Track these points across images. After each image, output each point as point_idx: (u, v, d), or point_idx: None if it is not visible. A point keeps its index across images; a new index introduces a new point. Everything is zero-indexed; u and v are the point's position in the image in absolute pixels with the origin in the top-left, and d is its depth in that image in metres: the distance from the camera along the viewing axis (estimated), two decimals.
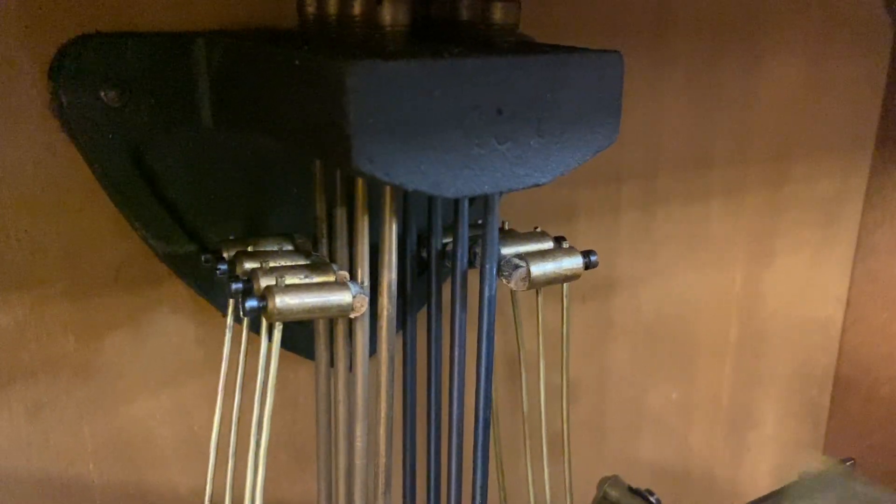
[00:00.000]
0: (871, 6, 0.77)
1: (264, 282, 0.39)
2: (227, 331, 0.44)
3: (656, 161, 0.68)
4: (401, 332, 0.51)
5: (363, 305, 0.40)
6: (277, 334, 0.38)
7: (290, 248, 0.45)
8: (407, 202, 0.49)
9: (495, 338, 0.54)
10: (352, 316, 0.40)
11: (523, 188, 0.37)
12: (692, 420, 0.80)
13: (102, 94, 0.42)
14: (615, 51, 0.38)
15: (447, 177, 0.35)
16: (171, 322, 0.49)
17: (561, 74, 0.36)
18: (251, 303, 0.37)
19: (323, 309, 0.39)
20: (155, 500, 0.51)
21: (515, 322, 0.52)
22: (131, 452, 0.50)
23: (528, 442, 0.53)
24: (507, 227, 0.51)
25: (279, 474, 0.56)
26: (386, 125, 0.32)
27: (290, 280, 0.39)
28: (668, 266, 0.72)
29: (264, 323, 0.39)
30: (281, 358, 0.54)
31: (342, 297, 0.39)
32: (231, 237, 0.45)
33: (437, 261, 0.49)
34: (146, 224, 0.45)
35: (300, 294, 0.38)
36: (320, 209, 0.46)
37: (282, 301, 0.38)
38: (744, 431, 0.84)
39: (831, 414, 0.89)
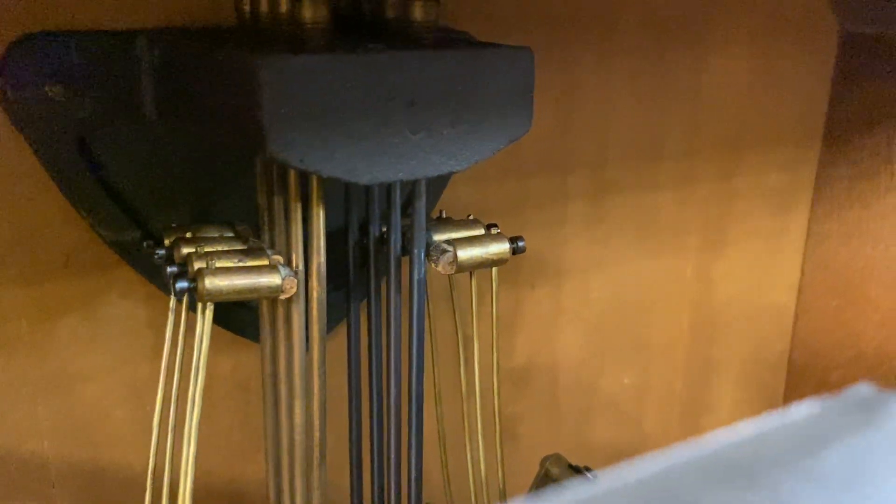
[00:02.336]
0: (818, 5, 0.79)
1: (197, 265, 0.41)
2: (171, 313, 0.46)
3: (605, 152, 0.70)
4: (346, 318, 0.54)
5: (292, 287, 0.42)
6: (209, 313, 0.41)
7: (230, 234, 0.48)
8: (348, 192, 0.51)
9: (434, 321, 0.56)
10: (282, 297, 0.43)
11: (438, 174, 0.40)
12: (646, 405, 0.82)
13: (48, 89, 0.44)
14: (526, 46, 0.41)
15: (361, 164, 0.37)
16: (122, 306, 0.51)
17: (472, 69, 0.39)
18: (181, 284, 0.40)
19: (252, 290, 0.41)
20: (109, 477, 0.54)
21: (453, 305, 0.55)
22: (86, 431, 0.52)
23: (466, 421, 0.56)
24: (443, 216, 0.53)
25: (233, 454, 0.59)
26: (298, 115, 0.35)
27: (222, 264, 0.42)
28: (618, 254, 0.75)
29: (199, 304, 0.42)
30: (233, 342, 0.57)
31: (271, 280, 0.42)
32: (173, 225, 0.47)
33: (376, 247, 0.51)
34: (93, 212, 0.47)
35: (230, 276, 0.41)
36: (262, 198, 0.48)
37: (211, 283, 0.40)
38: (698, 416, 0.86)
39: (786, 399, 0.92)
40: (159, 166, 0.49)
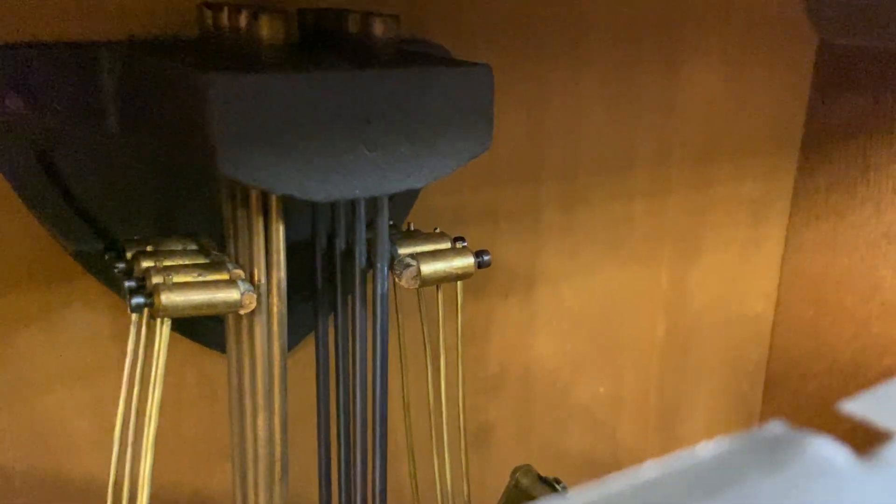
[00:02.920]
0: (794, 14, 0.79)
1: (155, 280, 0.41)
2: (132, 326, 0.46)
3: (576, 163, 0.70)
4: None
5: (252, 303, 0.42)
6: (166, 329, 0.41)
7: (194, 247, 0.48)
8: (315, 206, 0.51)
9: (403, 333, 0.56)
10: (241, 312, 0.43)
11: (396, 192, 0.40)
12: (620, 414, 0.83)
13: (8, 101, 0.44)
14: (485, 63, 0.41)
15: (315, 181, 0.37)
16: (85, 318, 0.51)
17: (427, 86, 0.39)
18: (137, 300, 0.40)
19: (210, 306, 0.41)
20: (73, 489, 0.53)
21: (420, 318, 0.55)
22: (49, 442, 0.52)
23: (433, 432, 0.56)
24: (411, 228, 0.53)
25: (198, 465, 0.59)
26: (249, 133, 0.35)
27: (181, 278, 0.42)
28: (590, 263, 0.75)
29: (157, 320, 0.42)
30: (201, 354, 0.57)
31: (229, 295, 0.42)
32: (136, 237, 0.47)
33: (342, 260, 0.51)
34: (55, 224, 0.47)
35: (186, 292, 0.41)
36: (227, 210, 0.48)
37: (167, 298, 0.40)
38: (673, 425, 0.87)
39: (763, 409, 0.92)
40: (123, 178, 0.48)
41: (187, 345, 0.55)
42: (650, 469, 0.18)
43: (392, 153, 0.39)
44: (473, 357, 0.70)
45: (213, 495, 0.59)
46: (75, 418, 0.52)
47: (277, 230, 0.43)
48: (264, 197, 0.43)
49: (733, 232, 0.83)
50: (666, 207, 0.77)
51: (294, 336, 0.52)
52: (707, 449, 0.19)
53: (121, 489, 0.46)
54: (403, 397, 0.57)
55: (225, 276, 0.43)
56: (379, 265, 0.46)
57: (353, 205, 0.48)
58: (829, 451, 0.18)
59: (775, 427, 0.20)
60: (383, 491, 0.51)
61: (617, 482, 0.17)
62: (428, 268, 0.47)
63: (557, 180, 0.70)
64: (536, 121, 0.67)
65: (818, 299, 0.86)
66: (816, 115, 0.83)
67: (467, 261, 0.49)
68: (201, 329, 0.55)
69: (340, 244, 0.51)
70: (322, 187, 0.37)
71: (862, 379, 0.84)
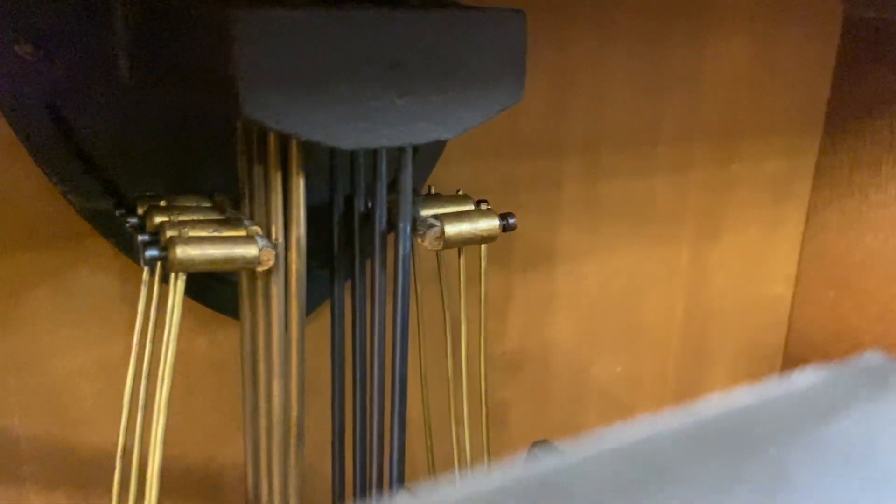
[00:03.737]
0: None
1: (169, 234, 0.39)
2: (143, 286, 0.44)
3: (599, 137, 0.69)
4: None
5: (270, 259, 0.41)
6: (181, 284, 0.39)
7: (208, 205, 0.46)
8: (333, 164, 0.49)
9: (421, 302, 0.54)
10: (259, 269, 0.41)
11: (424, 142, 0.38)
12: (638, 394, 0.81)
13: (17, 47, 0.42)
14: (519, 9, 0.39)
15: (342, 128, 0.35)
16: (96, 279, 0.49)
17: (461, 31, 0.37)
18: (151, 252, 0.38)
19: (227, 261, 0.39)
20: (81, 454, 0.52)
21: (440, 283, 0.53)
22: (57, 407, 0.50)
23: (452, 404, 0.54)
24: (432, 192, 0.51)
25: (209, 436, 0.57)
26: (275, 74, 0.33)
27: (196, 233, 0.40)
28: (612, 240, 0.73)
29: (171, 275, 0.40)
30: (210, 320, 0.55)
31: (247, 251, 0.40)
32: (148, 194, 0.45)
33: (361, 223, 0.49)
34: (64, 179, 0.45)
35: (203, 246, 0.39)
36: (242, 166, 0.46)
37: (183, 252, 0.38)
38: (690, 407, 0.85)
39: None
40: (135, 133, 0.47)
41: (198, 312, 0.54)
42: (745, 395, 0.16)
43: (421, 101, 0.37)
44: (491, 333, 0.68)
45: (223, 467, 0.58)
46: (84, 382, 0.51)
47: (298, 184, 0.41)
48: (283, 150, 0.41)
49: (755, 210, 0.81)
50: (688, 185, 0.75)
51: (308, 306, 0.51)
52: (804, 378, 0.17)
53: (130, 455, 0.44)
54: (421, 367, 0.56)
55: (242, 233, 0.41)
56: (402, 225, 0.44)
57: (373, 164, 0.46)
58: None
59: (873, 357, 0.18)
60: (401, 460, 0.49)
61: (718, 406, 0.15)
62: (452, 228, 0.45)
63: (580, 153, 0.68)
64: (560, 92, 0.65)
65: (840, 280, 0.84)
66: (841, 90, 0.81)
67: (492, 223, 0.47)
68: (213, 293, 0.53)
69: (359, 206, 0.49)
70: (349, 134, 0.35)
71: None
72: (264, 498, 0.49)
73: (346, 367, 0.53)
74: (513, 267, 0.68)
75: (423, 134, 0.38)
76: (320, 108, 0.34)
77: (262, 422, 0.49)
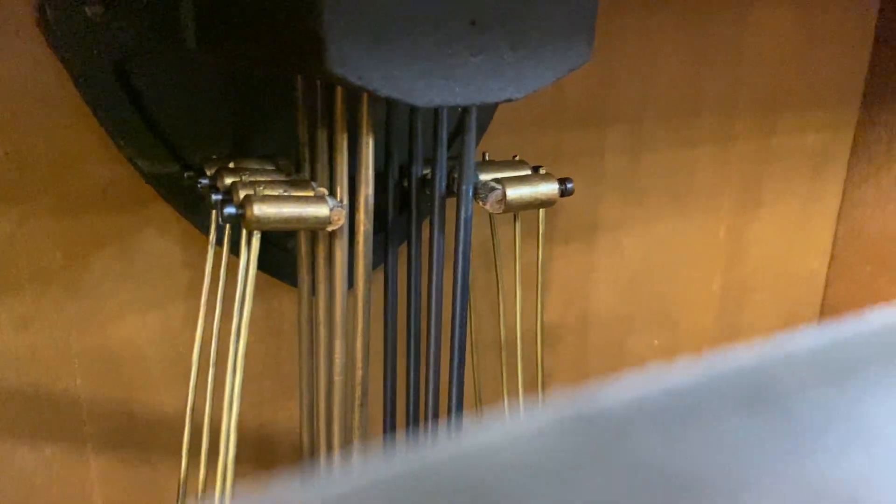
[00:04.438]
0: None
1: (243, 192, 0.40)
2: (210, 247, 0.45)
3: (643, 108, 0.69)
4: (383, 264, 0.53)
5: (340, 219, 0.41)
6: (255, 242, 0.40)
7: (271, 168, 0.46)
8: (389, 133, 0.49)
9: (476, 273, 0.55)
10: (329, 229, 0.41)
11: (497, 101, 0.38)
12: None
13: (87, 9, 0.42)
14: None
15: (419, 85, 0.36)
16: (158, 244, 0.50)
17: None
18: (230, 209, 0.38)
19: (300, 220, 0.40)
20: (140, 416, 0.53)
21: (494, 249, 0.53)
22: (118, 370, 0.51)
23: (504, 370, 0.55)
24: (487, 158, 0.52)
25: (263, 401, 0.58)
26: (359, 29, 0.33)
27: (268, 192, 0.40)
28: (652, 212, 0.73)
29: (244, 233, 0.40)
30: (266, 287, 0.56)
31: (319, 210, 0.40)
32: (214, 157, 0.46)
33: (418, 189, 0.50)
34: (130, 142, 0.45)
35: (278, 204, 0.39)
36: (303, 132, 0.47)
37: (259, 209, 0.39)
38: None
39: None
40: (199, 98, 0.47)
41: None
42: (779, 343, 0.16)
43: (495, 59, 0.37)
44: (532, 305, 0.69)
45: (277, 431, 0.59)
46: (145, 346, 0.51)
47: (367, 143, 0.41)
48: (351, 112, 0.42)
49: (793, 184, 0.81)
50: (729, 156, 0.75)
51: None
52: (829, 331, 0.17)
53: (200, 414, 0.45)
54: (471, 334, 0.56)
55: (310, 193, 0.42)
56: (464, 188, 0.45)
57: (434, 127, 0.46)
58: None
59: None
60: (460, 402, 0.50)
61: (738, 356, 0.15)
62: (514, 192, 0.46)
63: (624, 124, 0.68)
64: (605, 63, 0.65)
65: (876, 256, 0.84)
66: (880, 63, 0.81)
67: (552, 187, 0.47)
68: (270, 259, 0.54)
69: (417, 171, 0.50)
70: (426, 92, 0.36)
71: None
72: (322, 458, 0.50)
73: (399, 332, 0.53)
74: (555, 238, 0.68)
75: (495, 93, 0.38)
76: (400, 65, 0.35)
77: (322, 385, 0.50)
